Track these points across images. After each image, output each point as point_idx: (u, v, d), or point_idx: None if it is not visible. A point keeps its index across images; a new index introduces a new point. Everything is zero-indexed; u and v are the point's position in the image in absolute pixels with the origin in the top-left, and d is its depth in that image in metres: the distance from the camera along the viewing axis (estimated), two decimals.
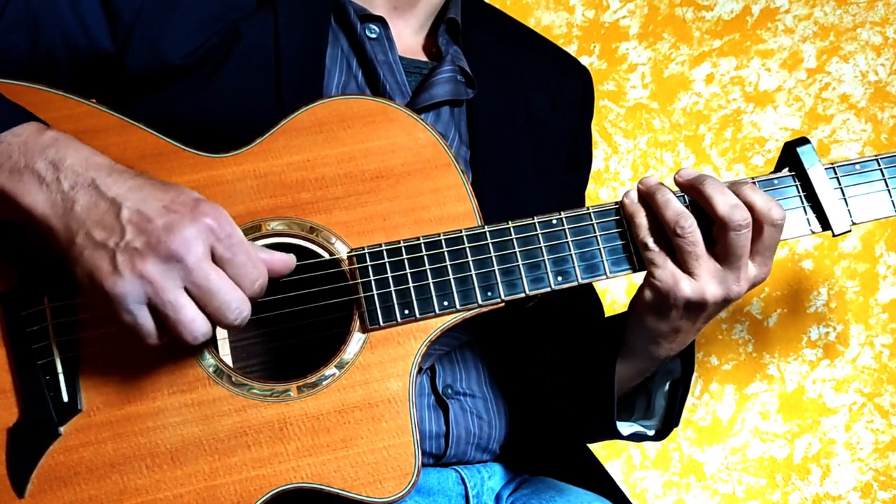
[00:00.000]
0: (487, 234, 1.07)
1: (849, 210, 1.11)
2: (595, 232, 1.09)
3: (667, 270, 1.05)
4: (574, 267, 1.08)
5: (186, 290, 0.91)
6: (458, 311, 1.06)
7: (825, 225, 1.10)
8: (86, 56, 1.14)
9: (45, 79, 1.08)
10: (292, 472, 1.01)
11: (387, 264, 1.05)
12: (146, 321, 0.91)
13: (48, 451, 0.99)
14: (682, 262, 1.05)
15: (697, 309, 1.07)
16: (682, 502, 2.03)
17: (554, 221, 1.08)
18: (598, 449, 2.00)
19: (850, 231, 1.11)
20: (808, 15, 2.03)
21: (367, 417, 1.03)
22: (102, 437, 1.00)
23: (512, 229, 1.08)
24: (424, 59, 1.30)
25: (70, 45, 1.14)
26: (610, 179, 2.06)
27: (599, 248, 1.08)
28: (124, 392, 1.01)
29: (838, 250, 2.01)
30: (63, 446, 0.99)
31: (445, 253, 1.06)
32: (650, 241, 1.06)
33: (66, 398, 1.00)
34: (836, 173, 1.11)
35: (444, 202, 1.09)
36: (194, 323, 0.91)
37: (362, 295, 1.04)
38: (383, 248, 1.06)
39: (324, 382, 1.03)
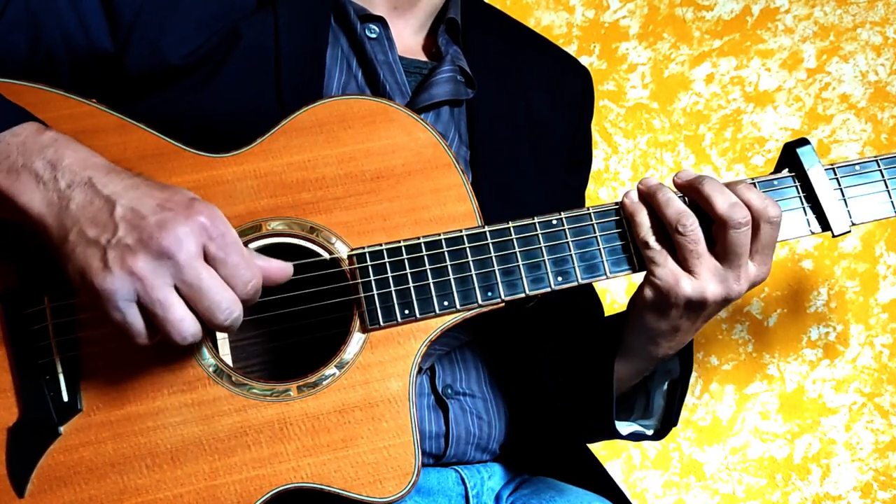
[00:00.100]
0: (487, 234, 1.07)
1: (848, 211, 1.11)
2: (595, 232, 1.09)
3: (667, 269, 1.06)
4: (574, 267, 1.08)
5: (177, 288, 0.90)
6: (458, 311, 1.06)
7: (825, 225, 1.10)
8: (86, 56, 1.14)
9: (45, 79, 1.08)
10: (292, 472, 1.01)
11: (387, 264, 1.05)
12: (135, 319, 0.90)
13: (48, 450, 0.99)
14: (682, 260, 1.05)
15: (697, 308, 1.07)
16: (682, 502, 2.03)
17: (554, 222, 1.08)
18: (598, 449, 2.00)
19: (849, 232, 1.11)
20: (808, 15, 2.03)
21: (368, 417, 1.03)
22: (102, 437, 1.00)
23: (512, 229, 1.08)
24: (424, 59, 1.30)
25: (70, 45, 1.14)
26: (610, 179, 2.06)
27: (599, 249, 1.08)
28: (124, 392, 1.01)
29: (838, 250, 2.01)
30: (63, 446, 0.99)
31: (446, 253, 1.06)
32: (651, 240, 1.06)
33: (66, 398, 1.00)
34: (835, 174, 1.11)
35: (445, 202, 1.09)
36: (182, 323, 0.90)
37: (362, 295, 1.04)
38: (383, 248, 1.06)
39: (324, 382, 1.03)
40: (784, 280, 2.02)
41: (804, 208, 1.11)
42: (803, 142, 1.11)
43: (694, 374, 2.01)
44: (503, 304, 1.07)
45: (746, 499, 2.01)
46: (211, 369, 1.02)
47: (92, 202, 0.92)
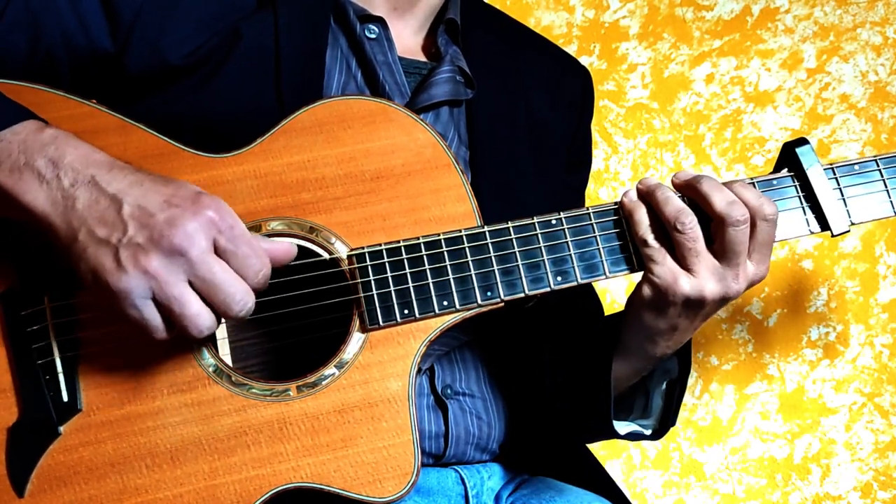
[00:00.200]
0: (487, 234, 1.07)
1: (847, 210, 1.11)
2: (594, 232, 1.09)
3: (665, 267, 1.06)
4: (573, 267, 1.08)
5: (190, 283, 0.91)
6: (457, 310, 1.06)
7: (824, 225, 1.10)
8: (86, 56, 1.14)
9: (45, 79, 1.08)
10: (292, 472, 1.01)
11: (386, 264, 1.05)
12: (153, 316, 0.91)
13: (48, 450, 0.99)
14: (681, 258, 1.05)
15: (696, 306, 1.07)
16: (682, 502, 2.03)
17: (553, 222, 1.08)
18: (598, 449, 2.00)
19: (848, 231, 1.11)
20: (808, 15, 2.03)
21: (367, 417, 1.03)
22: (102, 437, 1.00)
23: (511, 229, 1.08)
24: (424, 59, 1.30)
25: (70, 45, 1.14)
26: (610, 179, 2.06)
27: (599, 249, 1.08)
28: (124, 391, 1.01)
29: (838, 250, 2.01)
30: (63, 446, 0.99)
31: (445, 253, 1.06)
32: (650, 238, 1.06)
33: (65, 398, 1.00)
34: (834, 174, 1.11)
35: (444, 202, 1.09)
36: (199, 317, 0.91)
37: (362, 295, 1.05)
38: (383, 248, 1.06)
39: (323, 382, 1.03)
40: (784, 280, 2.02)
41: (803, 208, 1.11)
42: (802, 142, 1.12)
43: (694, 374, 2.01)
44: (502, 304, 1.07)
45: (746, 499, 2.01)
46: (211, 369, 1.02)
47: (98, 201, 0.92)
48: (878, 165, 1.13)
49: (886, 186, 1.12)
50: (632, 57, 2.07)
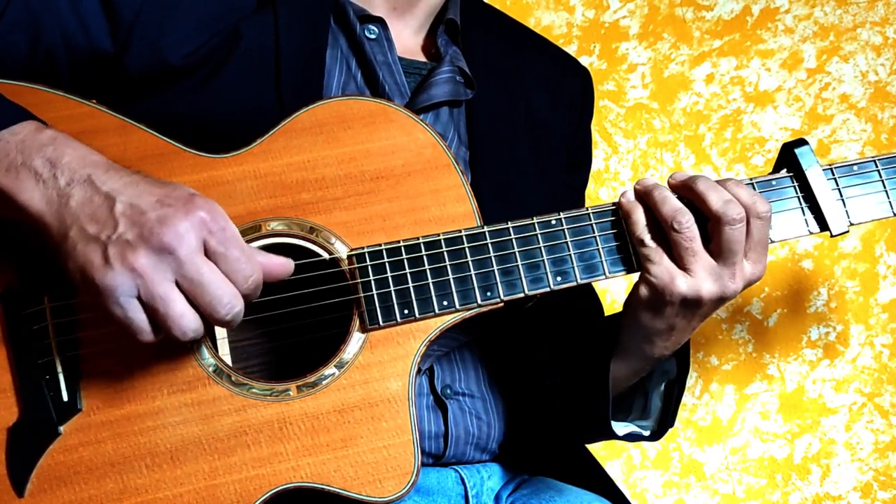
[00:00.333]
0: (487, 234, 1.07)
1: (846, 211, 1.11)
2: (594, 232, 1.09)
3: (662, 267, 1.06)
4: (573, 267, 1.08)
5: (178, 284, 0.90)
6: (457, 311, 1.06)
7: (823, 226, 1.10)
8: (86, 56, 1.14)
9: (45, 79, 1.08)
10: (292, 472, 1.01)
11: (386, 264, 1.05)
12: (137, 315, 0.90)
13: (48, 450, 0.99)
14: (678, 258, 1.05)
15: (693, 306, 1.07)
16: (682, 502, 2.03)
17: (553, 222, 1.09)
18: (598, 449, 2.00)
19: (847, 232, 1.11)
20: (808, 15, 2.03)
21: (367, 417, 1.03)
22: (102, 437, 1.00)
23: (511, 229, 1.08)
24: (423, 59, 1.30)
25: (70, 46, 1.14)
26: (610, 179, 2.06)
27: (598, 249, 1.09)
28: (124, 391, 1.01)
29: (838, 250, 2.01)
30: (63, 446, 1.00)
31: (445, 253, 1.06)
32: (647, 238, 1.07)
33: (65, 398, 1.00)
34: (833, 174, 1.12)
35: (444, 203, 1.09)
36: (183, 318, 0.90)
37: (362, 295, 1.05)
38: (383, 248, 1.06)
39: (323, 382, 1.03)
40: (784, 280, 2.02)
41: (802, 208, 1.11)
42: (801, 142, 1.12)
43: (694, 374, 2.01)
44: (502, 304, 1.07)
45: (746, 499, 2.01)
46: (211, 369, 1.02)
47: (91, 199, 0.92)
48: (876, 166, 1.13)
49: (885, 187, 1.12)
50: (632, 57, 2.07)
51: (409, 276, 1.05)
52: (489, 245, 1.07)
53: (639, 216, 1.07)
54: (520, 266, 1.07)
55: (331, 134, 1.08)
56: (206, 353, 1.02)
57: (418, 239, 1.06)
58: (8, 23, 1.12)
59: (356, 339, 1.05)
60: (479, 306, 1.07)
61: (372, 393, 1.03)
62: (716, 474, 2.03)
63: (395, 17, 1.28)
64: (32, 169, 0.93)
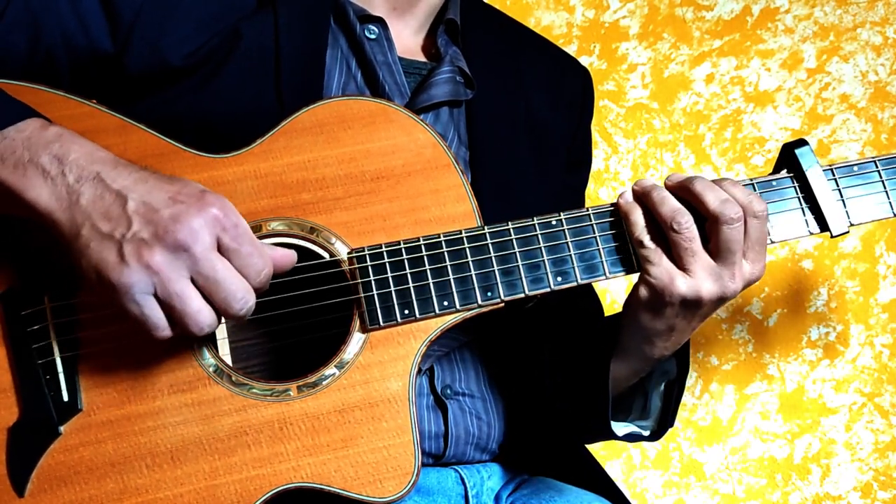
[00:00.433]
0: (487, 234, 1.07)
1: (847, 211, 1.11)
2: (594, 233, 1.09)
3: (662, 267, 1.06)
4: (573, 267, 1.08)
5: (193, 280, 0.91)
6: (457, 311, 1.06)
7: (823, 226, 1.10)
8: (86, 56, 1.14)
9: (45, 79, 1.08)
10: (292, 472, 1.01)
11: (387, 264, 1.05)
12: (154, 312, 0.91)
13: (48, 450, 0.99)
14: (677, 258, 1.05)
15: (693, 307, 1.07)
16: (682, 502, 2.03)
17: (553, 222, 1.09)
18: (598, 449, 2.00)
19: (848, 232, 1.11)
20: (808, 15, 2.03)
21: (367, 417, 1.03)
22: (102, 437, 1.00)
23: (511, 230, 1.08)
24: (423, 59, 1.30)
25: (70, 46, 1.14)
26: (610, 179, 2.06)
27: (599, 249, 1.09)
28: (124, 391, 1.01)
29: (838, 250, 2.01)
30: (63, 446, 1.00)
31: (445, 253, 1.06)
32: (646, 239, 1.07)
33: (66, 397, 1.00)
34: (833, 175, 1.12)
35: (444, 203, 1.09)
36: (200, 314, 0.91)
37: (362, 295, 1.05)
38: (383, 248, 1.06)
39: (324, 382, 1.03)
40: (784, 280, 2.02)
41: (803, 209, 1.11)
42: (801, 143, 1.12)
43: (694, 374, 2.01)
44: (503, 305, 1.07)
45: (746, 499, 2.01)
46: (211, 369, 1.02)
47: (103, 197, 0.92)
48: (877, 167, 1.13)
49: (885, 187, 1.12)
50: (632, 57, 2.07)
51: (409, 276, 1.05)
52: (489, 245, 1.07)
53: (637, 217, 1.07)
54: (520, 266, 1.07)
55: (331, 134, 1.08)
56: (206, 353, 1.02)
57: (419, 239, 1.06)
58: (8, 23, 1.12)
59: (356, 339, 1.05)
60: (480, 306, 1.07)
61: (372, 393, 1.04)
62: (716, 474, 2.03)
63: (395, 17, 1.28)
64: (40, 166, 0.93)
